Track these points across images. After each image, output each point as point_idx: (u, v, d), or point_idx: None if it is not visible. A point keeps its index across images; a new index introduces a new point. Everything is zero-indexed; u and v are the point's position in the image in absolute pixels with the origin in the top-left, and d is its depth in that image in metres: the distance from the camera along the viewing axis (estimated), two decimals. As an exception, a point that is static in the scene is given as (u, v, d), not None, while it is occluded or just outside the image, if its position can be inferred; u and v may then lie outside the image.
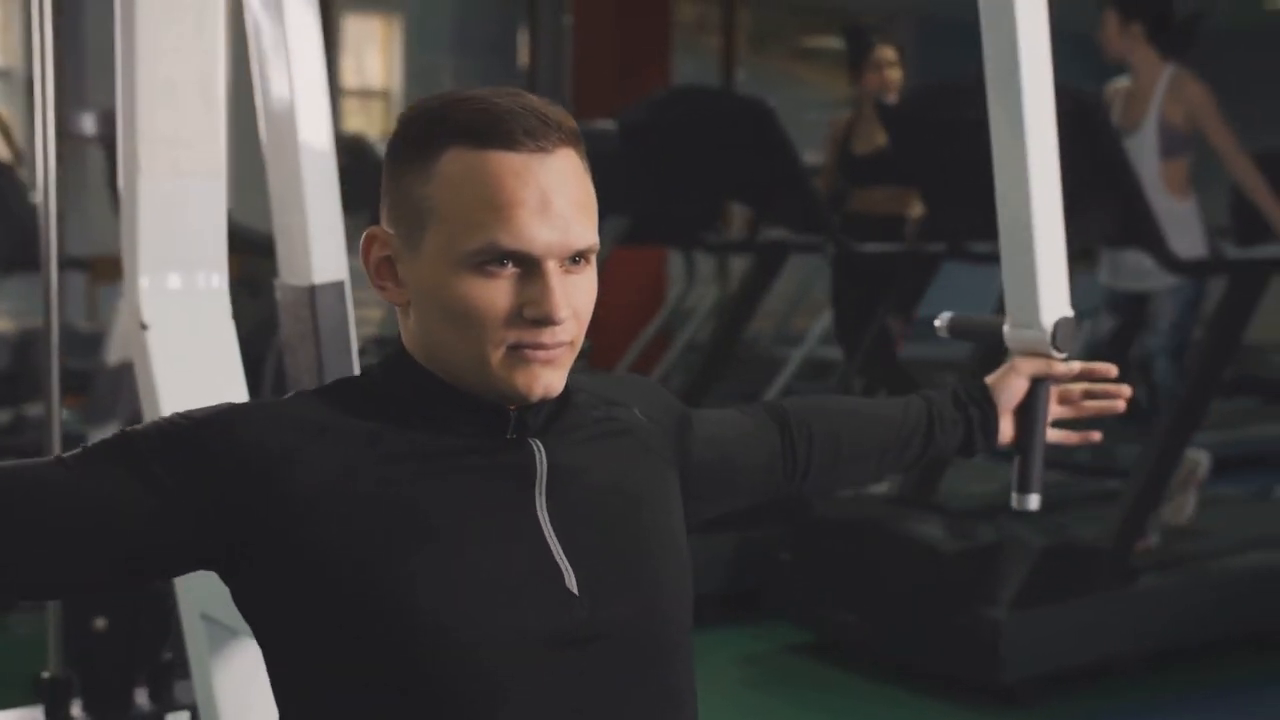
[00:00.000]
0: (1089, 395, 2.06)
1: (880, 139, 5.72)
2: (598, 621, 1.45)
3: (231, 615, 2.05)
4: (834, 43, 12.86)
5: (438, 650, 1.39)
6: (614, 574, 1.48)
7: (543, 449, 1.49)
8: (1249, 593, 4.91)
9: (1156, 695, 4.59)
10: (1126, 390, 2.04)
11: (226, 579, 1.46)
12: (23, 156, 7.13)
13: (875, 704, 4.55)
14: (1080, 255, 5.43)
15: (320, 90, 2.24)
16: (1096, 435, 2.10)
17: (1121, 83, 5.23)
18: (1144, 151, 5.00)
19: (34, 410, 6.08)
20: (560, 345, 1.45)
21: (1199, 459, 5.17)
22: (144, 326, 2.07)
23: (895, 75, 5.95)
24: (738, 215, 7.55)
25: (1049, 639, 4.50)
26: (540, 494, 1.47)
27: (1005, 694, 4.45)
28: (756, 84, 11.08)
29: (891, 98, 5.78)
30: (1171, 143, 5.06)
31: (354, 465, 1.42)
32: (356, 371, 2.27)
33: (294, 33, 2.20)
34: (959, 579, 4.52)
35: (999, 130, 2.08)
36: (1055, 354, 2.05)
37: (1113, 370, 2.06)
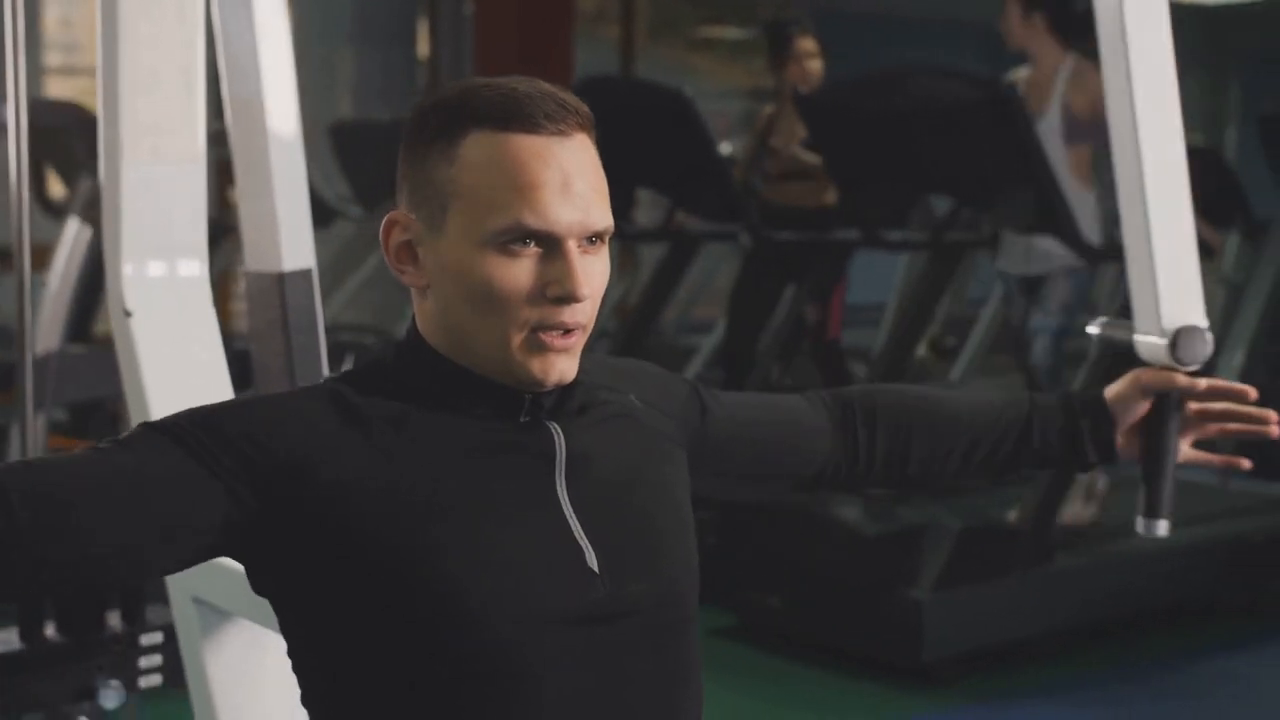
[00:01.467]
0: (1229, 416, 1.88)
1: (798, 132, 5.75)
2: (617, 599, 1.49)
3: (224, 598, 2.07)
4: (730, 33, 12.95)
5: (463, 625, 1.43)
6: (630, 554, 1.52)
7: (560, 432, 1.53)
8: (1160, 570, 5.05)
9: (1074, 672, 4.70)
10: (1275, 415, 1.84)
11: (246, 564, 1.48)
12: None
13: (799, 685, 4.62)
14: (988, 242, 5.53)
15: (288, 78, 2.25)
16: (1246, 463, 1.90)
17: (1021, 72, 5.31)
18: (1046, 140, 5.08)
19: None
20: (578, 327, 1.49)
21: (1095, 477, 5.28)
22: (127, 314, 2.08)
23: (816, 66, 5.97)
24: (647, 204, 7.56)
25: (969, 619, 4.60)
26: (560, 475, 1.51)
27: (926, 673, 4.53)
28: (654, 74, 11.11)
29: (808, 89, 5.81)
30: (1075, 130, 5.14)
31: (384, 449, 1.46)
32: (324, 359, 2.29)
33: (261, 21, 2.21)
34: (881, 561, 4.60)
35: (1119, 130, 1.99)
36: (1177, 365, 1.91)
37: (1252, 392, 1.87)
